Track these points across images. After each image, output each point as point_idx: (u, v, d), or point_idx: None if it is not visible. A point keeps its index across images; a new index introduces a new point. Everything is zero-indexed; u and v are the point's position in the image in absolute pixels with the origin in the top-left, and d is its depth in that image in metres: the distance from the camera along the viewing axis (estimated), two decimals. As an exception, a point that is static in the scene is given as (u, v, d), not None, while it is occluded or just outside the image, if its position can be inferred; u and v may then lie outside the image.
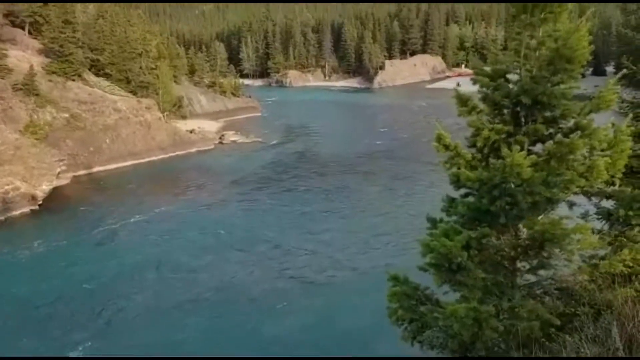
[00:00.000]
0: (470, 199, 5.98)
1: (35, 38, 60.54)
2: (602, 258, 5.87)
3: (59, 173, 45.45)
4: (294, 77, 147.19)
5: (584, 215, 6.79)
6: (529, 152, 5.72)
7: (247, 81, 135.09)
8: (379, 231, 34.95)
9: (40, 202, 41.21)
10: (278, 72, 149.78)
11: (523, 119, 5.94)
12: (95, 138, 53.19)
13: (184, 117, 76.48)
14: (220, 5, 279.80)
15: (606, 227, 6.91)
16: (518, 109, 5.89)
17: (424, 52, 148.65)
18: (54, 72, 54.73)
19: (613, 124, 5.85)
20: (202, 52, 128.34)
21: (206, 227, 37.05)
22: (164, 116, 65.32)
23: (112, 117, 55.59)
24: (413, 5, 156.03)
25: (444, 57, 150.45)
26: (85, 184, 48.57)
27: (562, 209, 5.96)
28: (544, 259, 5.66)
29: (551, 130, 5.82)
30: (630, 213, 6.45)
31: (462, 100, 6.25)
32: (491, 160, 5.85)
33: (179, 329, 23.45)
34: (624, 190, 6.49)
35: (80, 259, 31.49)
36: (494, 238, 5.74)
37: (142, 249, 33.06)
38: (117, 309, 25.64)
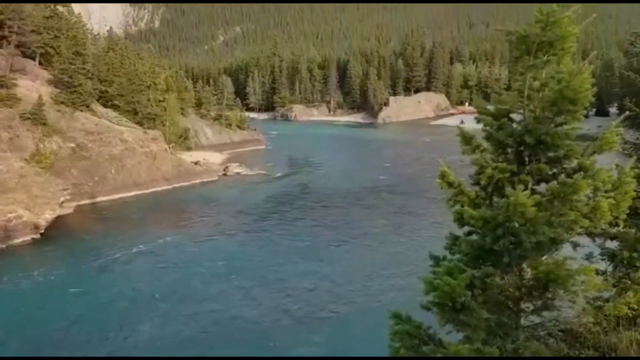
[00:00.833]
0: (474, 237, 5.95)
1: (45, 69, 61.67)
2: (607, 300, 5.79)
3: (62, 202, 45.57)
4: (299, 111, 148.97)
5: (588, 257, 6.73)
6: (533, 192, 5.71)
7: (252, 114, 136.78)
8: (381, 266, 34.67)
9: (42, 231, 41.15)
10: (283, 106, 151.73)
11: (527, 159, 5.97)
12: (101, 168, 53.52)
13: (189, 149, 77.09)
14: (229, 41, 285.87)
15: (610, 269, 6.85)
16: (522, 148, 5.92)
17: (428, 89, 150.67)
18: (62, 102, 55.53)
19: (617, 165, 5.87)
20: (209, 85, 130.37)
21: (209, 258, 36.84)
22: (169, 147, 65.88)
23: (118, 147, 56.07)
24: (417, 44, 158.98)
25: (447, 94, 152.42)
26: (88, 213, 48.61)
27: (566, 250, 5.92)
28: (548, 300, 5.59)
29: (555, 170, 5.83)
30: (635, 255, 6.38)
31: (466, 139, 6.29)
32: (495, 198, 5.85)
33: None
34: (628, 232, 6.45)
35: (81, 289, 31.21)
36: (498, 278, 5.68)
37: (144, 280, 32.79)
38: (119, 339, 25.26)
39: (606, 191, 5.56)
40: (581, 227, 5.54)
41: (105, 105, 64.44)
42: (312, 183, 62.96)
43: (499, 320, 5.66)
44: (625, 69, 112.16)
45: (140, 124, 65.95)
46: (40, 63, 62.76)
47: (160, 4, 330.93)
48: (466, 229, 6.15)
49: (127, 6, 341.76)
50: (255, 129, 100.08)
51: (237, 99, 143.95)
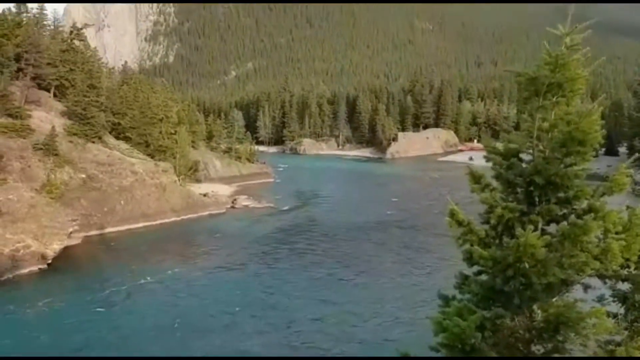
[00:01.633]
0: (484, 277, 5.91)
1: (59, 101, 62.85)
2: (619, 344, 5.67)
3: (71, 233, 45.72)
4: (308, 145, 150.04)
5: (600, 299, 6.63)
6: (543, 232, 5.69)
7: (262, 148, 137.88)
8: (390, 302, 34.21)
9: (50, 262, 41.15)
10: (293, 140, 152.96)
11: (537, 199, 5.96)
12: (110, 199, 53.83)
13: (198, 181, 77.55)
14: (241, 76, 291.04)
15: (622, 312, 6.73)
16: (531, 188, 5.93)
17: (436, 125, 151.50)
18: (75, 134, 56.32)
19: (627, 207, 5.85)
20: (220, 119, 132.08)
21: (216, 291, 36.59)
22: (179, 179, 66.33)
23: (128, 179, 56.52)
24: (426, 82, 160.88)
25: (456, 131, 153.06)
26: (96, 244, 48.66)
27: (576, 292, 5.85)
28: (559, 343, 5.49)
29: (565, 210, 5.82)
30: (647, 298, 6.27)
31: (475, 177, 6.32)
32: (505, 238, 5.83)
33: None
34: (639, 274, 6.37)
35: (85, 320, 30.96)
36: (508, 319, 5.60)
37: (150, 312, 32.53)
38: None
39: (617, 233, 5.53)
40: (592, 269, 5.48)
41: (117, 138, 65.33)
42: (319, 216, 62.82)
43: (509, 363, 5.55)
44: (634, 109, 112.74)
45: (151, 156, 66.66)
46: (55, 95, 64.06)
47: (175, 41, 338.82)
48: (476, 268, 6.10)
49: (142, 41, 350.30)
50: (264, 162, 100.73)
51: (248, 132, 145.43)
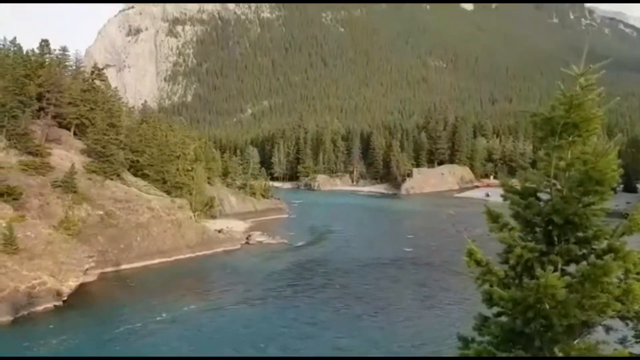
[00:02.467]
0: (504, 318, 5.81)
1: (79, 139, 64.20)
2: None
3: (87, 269, 45.89)
4: (322, 181, 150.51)
5: (622, 341, 6.47)
6: (563, 273, 5.62)
7: (277, 184, 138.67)
8: (407, 342, 33.48)
9: (65, 298, 41.17)
10: (307, 176, 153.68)
11: (556, 238, 5.91)
12: (127, 235, 54.17)
13: (213, 217, 77.88)
14: (257, 113, 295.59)
15: (647, 354, 6.53)
16: (550, 227, 5.89)
17: (451, 162, 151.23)
18: (93, 171, 57.21)
19: (648, 247, 5.77)
20: (236, 155, 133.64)
21: (232, 327, 36.19)
22: (195, 215, 66.69)
23: (145, 215, 56.99)
24: (440, 118, 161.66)
25: (472, 167, 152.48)
26: (111, 281, 48.70)
27: (598, 333, 5.73)
28: (583, 387, 5.34)
29: (584, 250, 5.75)
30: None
31: (493, 216, 6.30)
32: (524, 279, 5.76)
33: None
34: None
35: (100, 358, 30.73)
36: (530, 363, 5.48)
37: (166, 349, 32.19)
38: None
39: (637, 273, 5.44)
40: (613, 310, 5.38)
41: (135, 175, 66.28)
42: (334, 253, 62.38)
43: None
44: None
45: (168, 192, 67.35)
46: (75, 133, 65.54)
47: (194, 81, 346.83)
48: (495, 309, 6.02)
49: (161, 81, 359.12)
50: (278, 198, 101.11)
51: (262, 168, 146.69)
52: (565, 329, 5.31)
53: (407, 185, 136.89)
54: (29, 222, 45.90)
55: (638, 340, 6.86)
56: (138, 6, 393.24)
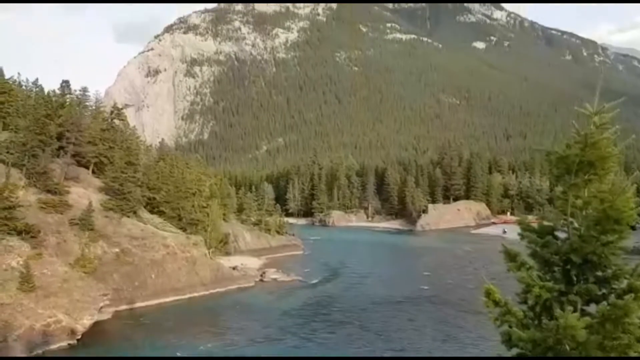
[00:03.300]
0: (524, 361, 5.68)
1: (97, 177, 65.18)
2: None
3: (101, 307, 45.82)
4: (337, 217, 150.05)
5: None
6: (583, 313, 5.51)
7: (291, 220, 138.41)
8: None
9: (79, 337, 41.02)
10: (322, 212, 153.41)
11: (574, 278, 5.83)
12: (142, 273, 54.21)
13: (228, 254, 77.77)
14: (272, 150, 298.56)
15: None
16: (568, 267, 5.81)
17: (467, 197, 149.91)
18: (111, 209, 57.79)
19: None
20: (251, 192, 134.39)
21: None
22: (209, 252, 66.67)
23: (160, 252, 57.12)
24: (455, 154, 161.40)
25: (488, 203, 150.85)
26: (126, 319, 48.47)
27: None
28: None
29: (604, 290, 5.65)
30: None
31: (511, 255, 6.24)
32: (544, 320, 5.65)
33: None
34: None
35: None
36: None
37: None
38: None
39: (661, 314, 5.30)
40: (635, 352, 5.24)
41: (151, 212, 66.82)
42: (350, 290, 61.57)
43: None
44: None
45: (183, 229, 67.65)
46: (93, 172, 66.60)
47: (210, 119, 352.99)
48: (515, 350, 5.90)
49: (179, 119, 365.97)
50: (293, 234, 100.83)
51: (277, 204, 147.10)
52: (587, 371, 5.16)
53: (423, 221, 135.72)
54: (45, 259, 46.27)
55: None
56: (157, 48, 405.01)
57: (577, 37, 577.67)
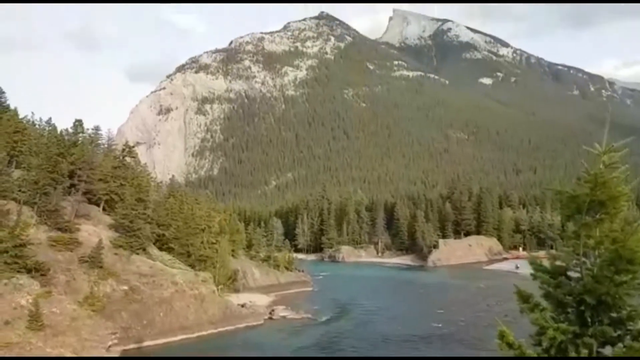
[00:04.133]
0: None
1: (108, 214, 65.54)
2: None
3: (109, 346, 45.34)
4: (346, 252, 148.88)
5: None
6: (598, 356, 5.39)
7: (300, 255, 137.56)
8: None
9: (87, 376, 40.52)
10: (331, 247, 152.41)
11: (589, 319, 5.72)
12: (150, 311, 53.75)
13: (237, 291, 77.11)
14: (281, 185, 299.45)
15: None
16: (582, 308, 5.71)
17: (478, 233, 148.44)
18: (120, 246, 57.89)
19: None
20: (260, 227, 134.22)
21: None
22: (218, 289, 66.14)
23: (168, 290, 56.77)
24: (465, 189, 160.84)
25: (499, 238, 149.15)
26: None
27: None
28: None
29: (619, 332, 5.53)
30: None
31: (524, 297, 6.15)
32: (559, 363, 5.53)
33: None
34: None
35: None
36: None
37: None
38: None
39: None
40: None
41: (161, 249, 66.78)
42: (360, 328, 60.46)
43: None
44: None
45: (192, 266, 67.40)
46: (104, 209, 67.02)
47: (220, 155, 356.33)
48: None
49: (189, 156, 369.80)
50: (302, 270, 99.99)
51: (286, 240, 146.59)
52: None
53: (434, 256, 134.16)
54: (54, 297, 46.15)
55: None
56: (169, 87, 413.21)
57: (584, 73, 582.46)
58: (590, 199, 5.69)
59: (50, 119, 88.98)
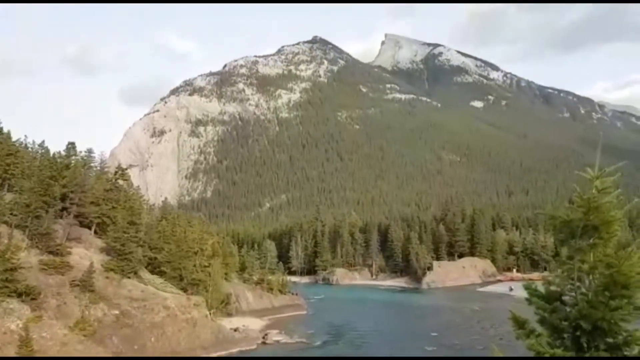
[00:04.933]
0: None
1: (100, 237, 64.94)
2: None
3: (99, 371, 44.52)
4: (340, 274, 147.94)
5: None
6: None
7: (294, 278, 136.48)
8: None
9: (76, 403, 39.63)
10: (325, 270, 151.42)
11: (585, 345, 5.70)
12: (141, 336, 52.92)
13: (229, 314, 76.21)
14: (275, 207, 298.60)
15: None
16: (578, 333, 5.70)
17: (472, 254, 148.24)
18: (112, 270, 57.26)
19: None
20: (254, 249, 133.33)
21: None
22: (210, 313, 65.34)
23: (160, 314, 56.02)
24: (458, 210, 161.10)
25: (493, 260, 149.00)
26: (123, 384, 46.93)
27: None
28: None
29: (616, 357, 5.51)
30: None
31: (519, 323, 6.13)
32: (556, 390, 5.48)
33: None
34: None
35: None
36: None
37: None
38: None
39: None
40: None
41: (152, 272, 66.07)
42: (356, 352, 59.76)
43: None
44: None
45: (184, 289, 66.65)
46: (95, 232, 66.44)
47: (213, 177, 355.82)
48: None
49: (182, 178, 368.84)
50: (296, 293, 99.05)
51: (280, 262, 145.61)
52: None
53: (428, 279, 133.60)
54: (45, 322, 45.41)
55: None
56: (163, 109, 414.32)
57: (574, 95, 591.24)
58: (583, 223, 5.72)
59: (43, 141, 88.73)
